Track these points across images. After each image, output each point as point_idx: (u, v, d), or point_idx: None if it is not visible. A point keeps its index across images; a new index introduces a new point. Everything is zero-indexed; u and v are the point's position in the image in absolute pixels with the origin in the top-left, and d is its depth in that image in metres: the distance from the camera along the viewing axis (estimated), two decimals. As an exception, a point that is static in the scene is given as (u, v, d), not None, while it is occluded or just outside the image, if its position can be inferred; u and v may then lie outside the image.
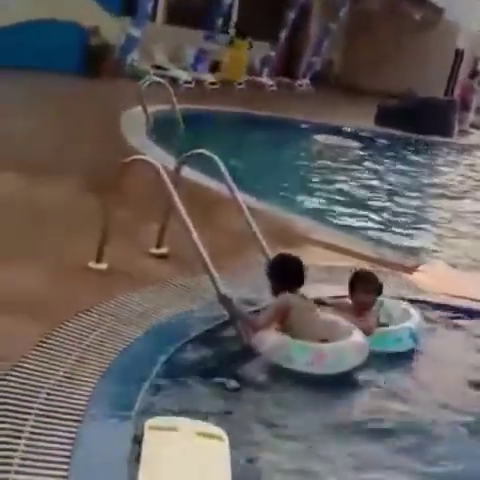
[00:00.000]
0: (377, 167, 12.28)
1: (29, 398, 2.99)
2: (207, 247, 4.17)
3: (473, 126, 20.71)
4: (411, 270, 5.81)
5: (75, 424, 2.87)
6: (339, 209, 8.54)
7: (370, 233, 7.52)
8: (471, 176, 13.34)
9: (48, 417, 2.89)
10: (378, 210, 8.81)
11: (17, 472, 2.54)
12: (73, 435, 2.80)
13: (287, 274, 4.21)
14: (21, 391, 3.03)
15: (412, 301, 4.79)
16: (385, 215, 8.62)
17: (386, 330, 4.34)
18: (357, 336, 3.97)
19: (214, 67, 20.27)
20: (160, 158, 6.92)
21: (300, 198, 8.79)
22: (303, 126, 15.10)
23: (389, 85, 26.29)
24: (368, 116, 17.28)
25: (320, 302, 4.39)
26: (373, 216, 8.42)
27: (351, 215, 8.27)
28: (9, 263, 4.37)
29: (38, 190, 6.23)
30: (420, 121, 16.86)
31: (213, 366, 3.69)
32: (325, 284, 4.94)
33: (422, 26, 28.13)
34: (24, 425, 2.80)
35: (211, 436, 2.89)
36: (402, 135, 16.59)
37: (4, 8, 13.71)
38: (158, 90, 10.90)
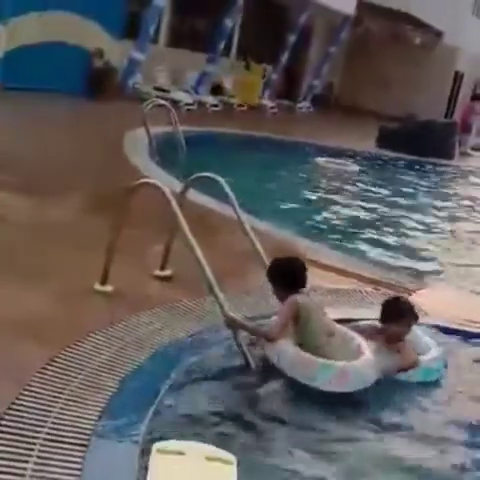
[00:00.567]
0: (378, 189, 12.31)
1: (36, 422, 2.97)
2: (211, 268, 4.15)
3: (474, 149, 20.74)
4: (415, 293, 5.77)
5: (82, 449, 2.85)
6: (341, 231, 8.54)
7: (373, 255, 7.52)
8: (473, 196, 13.38)
9: (55, 441, 2.87)
10: (380, 232, 8.81)
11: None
12: (80, 460, 2.77)
13: (290, 275, 4.19)
14: (28, 415, 3.00)
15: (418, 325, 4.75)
16: (387, 237, 8.62)
17: (429, 361, 4.20)
18: (367, 352, 3.94)
19: (215, 89, 20.41)
20: (162, 179, 6.94)
21: (301, 219, 8.79)
22: (304, 148, 15.16)
23: (390, 108, 26.47)
24: (369, 138, 17.37)
25: (355, 327, 4.28)
26: (375, 238, 8.42)
27: (353, 237, 8.27)
28: (15, 283, 4.37)
29: (43, 210, 6.27)
30: (421, 144, 17.01)
31: (221, 389, 3.66)
32: (332, 307, 4.90)
33: (421, 49, 28.38)
34: (32, 449, 2.78)
35: (220, 460, 2.85)
36: (403, 157, 16.68)
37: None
38: (160, 112, 10.97)
